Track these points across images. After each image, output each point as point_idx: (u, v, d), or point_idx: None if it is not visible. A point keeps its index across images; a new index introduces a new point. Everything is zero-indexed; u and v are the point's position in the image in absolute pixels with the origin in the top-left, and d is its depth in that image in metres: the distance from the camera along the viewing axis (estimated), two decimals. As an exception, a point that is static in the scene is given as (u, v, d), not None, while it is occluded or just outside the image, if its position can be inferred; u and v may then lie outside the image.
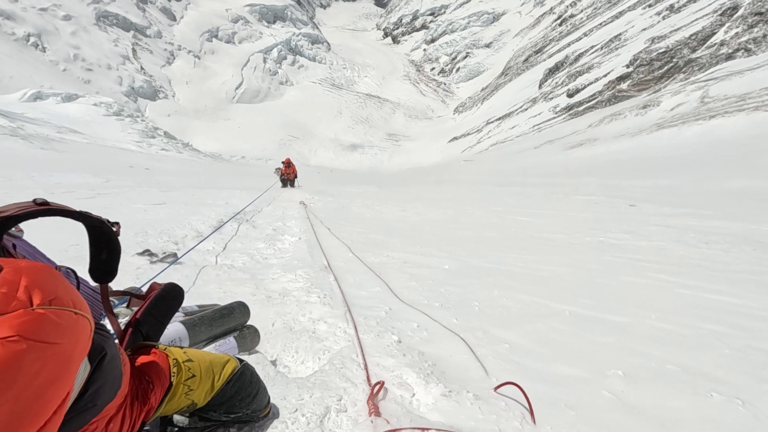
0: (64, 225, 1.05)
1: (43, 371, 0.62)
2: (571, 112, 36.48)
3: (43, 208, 0.89)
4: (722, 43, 28.74)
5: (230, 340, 1.92)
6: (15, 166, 12.75)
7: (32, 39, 48.40)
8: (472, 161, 35.41)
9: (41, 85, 35.83)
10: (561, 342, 2.49)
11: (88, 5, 59.37)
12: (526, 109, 45.53)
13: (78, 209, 0.98)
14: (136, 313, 1.26)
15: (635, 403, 1.83)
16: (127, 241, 4.22)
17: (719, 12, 31.03)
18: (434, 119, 73.20)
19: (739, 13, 29.41)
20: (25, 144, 17.99)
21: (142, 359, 1.20)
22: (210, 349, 1.83)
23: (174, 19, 74.03)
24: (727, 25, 29.66)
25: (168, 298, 1.31)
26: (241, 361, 1.46)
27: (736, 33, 28.40)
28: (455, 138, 55.05)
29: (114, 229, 1.06)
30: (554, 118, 37.88)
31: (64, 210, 0.94)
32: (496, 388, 1.83)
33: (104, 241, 1.06)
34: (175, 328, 1.71)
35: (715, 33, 30.23)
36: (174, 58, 67.09)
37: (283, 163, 17.34)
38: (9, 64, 41.67)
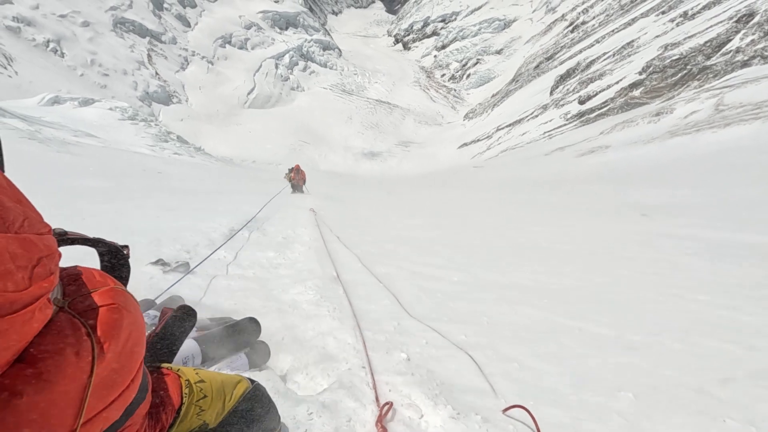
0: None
1: (132, 334, 0.75)
2: (582, 119, 36.19)
3: (61, 239, 0.92)
4: (738, 50, 28.33)
5: (241, 357, 1.95)
6: (33, 169, 13.04)
7: (51, 45, 49.58)
8: (482, 167, 35.28)
9: (59, 90, 36.65)
10: (571, 361, 2.47)
11: (105, 12, 60.67)
12: (536, 116, 45.28)
13: (92, 236, 1.01)
14: (149, 337, 1.29)
15: (647, 429, 1.81)
16: (140, 249, 4.29)
17: (734, 19, 30.61)
18: (444, 125, 73.14)
19: (755, 20, 28.99)
20: (42, 147, 18.36)
21: (155, 379, 1.22)
22: (221, 365, 1.85)
23: (189, 25, 75.25)
24: (743, 32, 29.24)
25: (180, 323, 1.34)
26: (252, 381, 1.48)
27: (752, 40, 27.97)
28: (465, 144, 54.93)
29: (125, 252, 1.09)
30: (565, 125, 37.61)
31: (81, 238, 0.97)
32: (504, 411, 1.83)
33: (117, 266, 1.09)
34: (187, 345, 1.74)
35: (730, 40, 29.81)
36: (188, 64, 68.13)
37: (291, 169, 17.56)
38: (29, 69, 42.73)
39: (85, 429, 0.64)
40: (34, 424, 0.55)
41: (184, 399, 1.24)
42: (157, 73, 60.37)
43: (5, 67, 39.94)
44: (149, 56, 61.81)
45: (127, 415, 0.85)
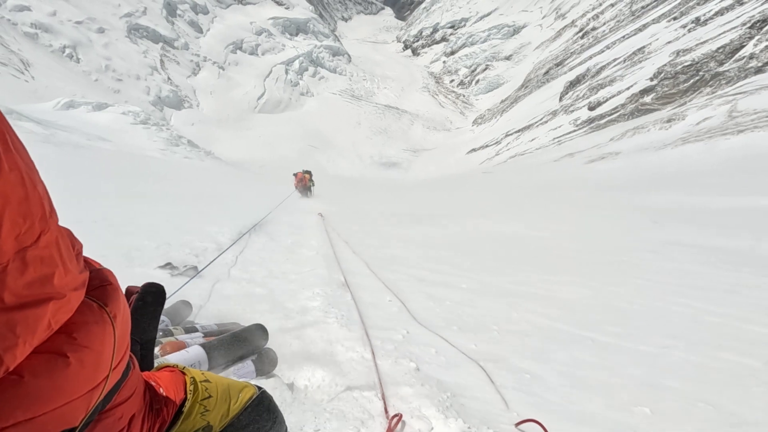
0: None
1: (126, 308, 0.86)
2: (592, 125, 35.88)
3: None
4: (751, 56, 27.93)
5: (248, 364, 1.93)
6: (47, 172, 13.22)
7: (67, 50, 50.61)
8: (491, 173, 35.12)
9: (74, 94, 37.28)
10: (584, 373, 2.41)
11: (120, 18, 61.82)
12: (546, 122, 44.98)
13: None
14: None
15: (664, 446, 1.75)
16: (149, 252, 4.31)
17: (748, 25, 30.21)
18: (453, 131, 73.04)
19: (770, 26, 28.62)
20: (57, 151, 18.66)
21: (159, 374, 1.22)
22: (228, 372, 1.83)
23: (201, 31, 76.33)
24: (757, 38, 28.84)
25: (147, 304, 1.23)
26: (259, 388, 1.45)
27: (766, 46, 27.59)
28: (474, 149, 54.75)
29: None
30: (575, 131, 37.31)
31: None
32: (517, 425, 1.78)
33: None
34: (195, 352, 1.73)
35: (743, 46, 29.40)
36: (199, 69, 69.04)
37: (294, 175, 17.77)
38: (45, 74, 43.58)
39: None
40: (78, 376, 0.68)
41: (189, 396, 1.23)
42: (169, 78, 61.27)
43: (22, 72, 40.83)
44: (162, 62, 62.78)
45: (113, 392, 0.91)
